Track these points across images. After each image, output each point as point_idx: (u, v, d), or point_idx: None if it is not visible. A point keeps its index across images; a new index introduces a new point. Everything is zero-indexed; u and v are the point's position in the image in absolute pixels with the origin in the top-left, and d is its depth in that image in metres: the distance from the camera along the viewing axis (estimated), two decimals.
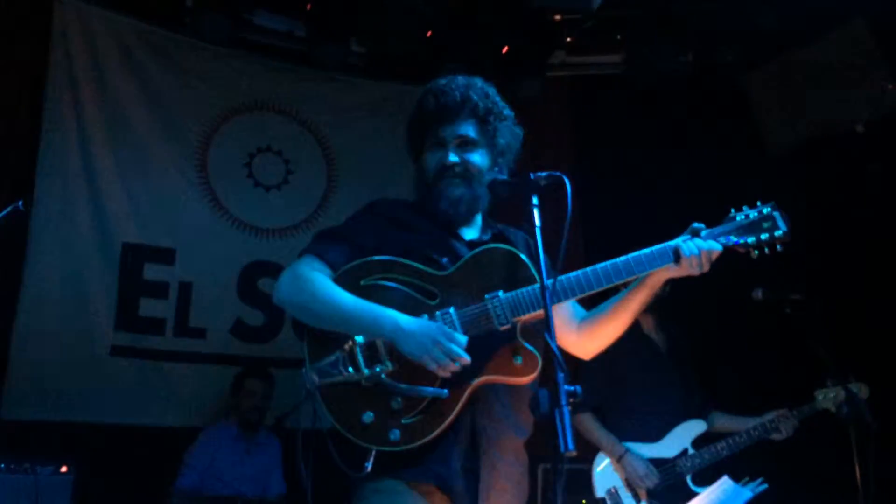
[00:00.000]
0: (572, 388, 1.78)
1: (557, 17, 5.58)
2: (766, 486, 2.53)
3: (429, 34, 5.51)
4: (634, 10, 5.43)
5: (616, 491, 3.91)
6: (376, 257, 2.24)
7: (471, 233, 2.39)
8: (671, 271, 2.24)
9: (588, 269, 2.21)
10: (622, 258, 2.22)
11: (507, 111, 2.39)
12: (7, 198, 4.90)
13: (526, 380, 2.13)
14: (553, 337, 1.86)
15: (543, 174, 2.11)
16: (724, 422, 4.08)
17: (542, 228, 2.04)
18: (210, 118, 5.58)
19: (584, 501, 4.07)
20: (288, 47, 5.80)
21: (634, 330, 4.24)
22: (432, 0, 5.34)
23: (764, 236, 2.19)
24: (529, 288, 2.15)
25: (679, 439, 3.94)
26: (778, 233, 2.18)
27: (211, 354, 5.32)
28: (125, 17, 5.36)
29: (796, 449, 3.98)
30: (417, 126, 2.40)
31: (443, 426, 2.09)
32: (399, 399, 2.10)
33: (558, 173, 2.09)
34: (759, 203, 2.21)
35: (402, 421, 2.09)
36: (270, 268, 5.50)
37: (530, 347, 2.14)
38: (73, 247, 5.04)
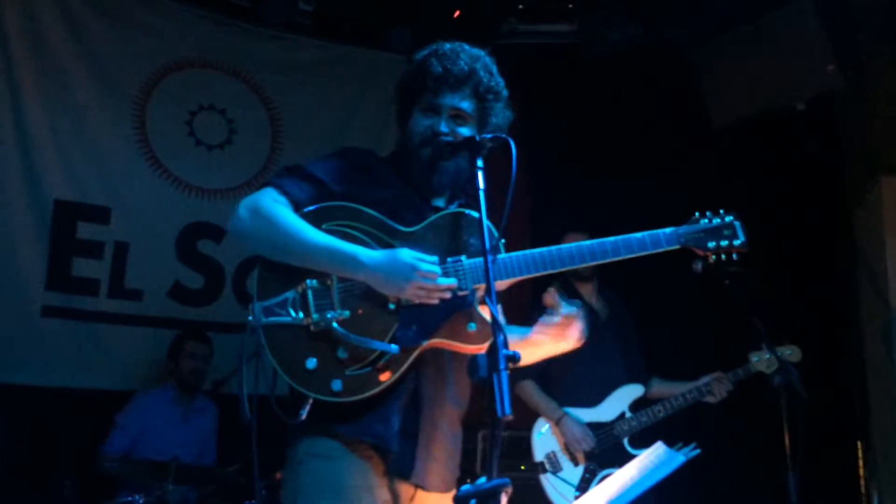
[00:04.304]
0: (511, 352, 1.77)
1: None
2: (699, 451, 2.60)
3: None
4: None
5: (554, 455, 3.98)
6: (341, 203, 2.18)
7: (439, 201, 2.35)
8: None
9: (552, 247, 2.19)
10: (586, 243, 2.20)
11: (504, 92, 2.35)
12: None
13: (476, 349, 2.09)
14: (494, 302, 1.85)
15: (489, 136, 2.10)
16: (662, 387, 4.19)
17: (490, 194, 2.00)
18: (149, 73, 5.35)
19: (522, 467, 4.13)
20: (233, 2, 5.57)
21: (574, 297, 4.29)
22: None
23: (724, 243, 2.26)
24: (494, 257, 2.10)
25: (617, 403, 4.03)
26: (737, 242, 2.26)
27: (147, 317, 5.18)
28: None
29: (730, 416, 4.10)
30: (413, 84, 2.31)
31: (387, 383, 2.06)
32: (346, 349, 2.06)
33: (503, 135, 2.07)
34: (721, 211, 2.30)
35: (346, 372, 2.05)
36: (211, 229, 5.36)
37: (486, 317, 2.11)
38: (0, 203, 4.82)
